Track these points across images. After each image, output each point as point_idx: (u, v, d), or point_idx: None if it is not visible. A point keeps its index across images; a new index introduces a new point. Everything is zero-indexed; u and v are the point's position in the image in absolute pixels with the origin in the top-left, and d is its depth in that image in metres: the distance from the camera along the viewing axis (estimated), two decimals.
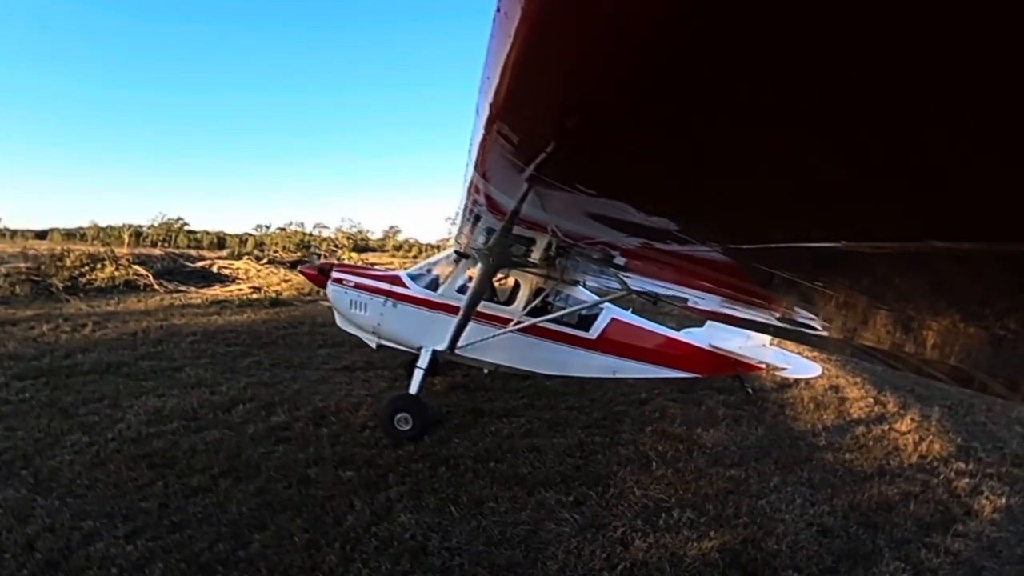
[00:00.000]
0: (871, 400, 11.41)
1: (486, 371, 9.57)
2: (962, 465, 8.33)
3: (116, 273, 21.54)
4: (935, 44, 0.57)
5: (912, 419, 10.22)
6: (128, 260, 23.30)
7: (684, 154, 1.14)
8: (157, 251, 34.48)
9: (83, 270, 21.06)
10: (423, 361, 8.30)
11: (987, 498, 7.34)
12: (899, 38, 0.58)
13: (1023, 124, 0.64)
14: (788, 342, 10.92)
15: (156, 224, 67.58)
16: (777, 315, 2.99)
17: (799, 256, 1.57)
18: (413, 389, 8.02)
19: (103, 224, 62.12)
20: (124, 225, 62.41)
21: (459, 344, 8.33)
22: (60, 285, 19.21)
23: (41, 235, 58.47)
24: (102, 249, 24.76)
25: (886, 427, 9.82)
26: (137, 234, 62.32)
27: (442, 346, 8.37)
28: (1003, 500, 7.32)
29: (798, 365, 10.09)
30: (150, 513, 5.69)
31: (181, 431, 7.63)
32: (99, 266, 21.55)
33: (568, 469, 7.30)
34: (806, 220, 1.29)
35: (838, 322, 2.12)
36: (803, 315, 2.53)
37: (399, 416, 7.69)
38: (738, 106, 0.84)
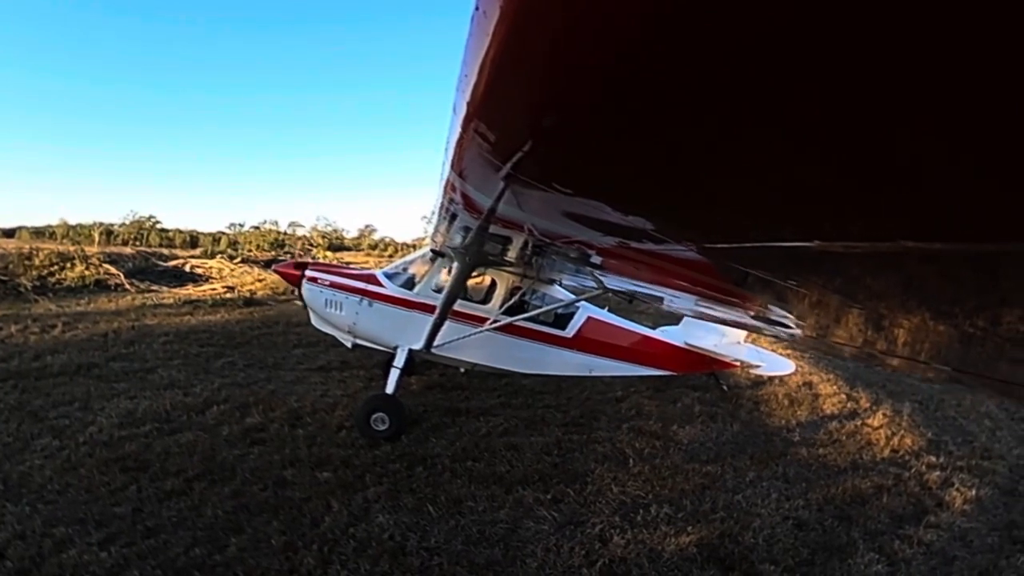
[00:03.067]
0: (844, 396, 11.57)
1: (463, 370, 9.56)
2: (933, 459, 8.49)
3: (86, 272, 21.09)
4: (908, 47, 0.58)
5: (884, 414, 10.38)
6: (99, 259, 22.86)
7: (660, 154, 1.14)
8: (128, 250, 34.01)
9: (52, 269, 20.58)
10: (399, 360, 8.26)
11: (958, 490, 7.49)
12: (872, 41, 0.58)
13: (994, 127, 0.65)
14: (762, 340, 11.06)
15: (127, 222, 66.75)
16: (752, 313, 3.02)
17: (773, 255, 1.59)
18: (389, 389, 7.98)
19: (73, 222, 61.29)
20: (95, 223, 61.62)
21: (435, 343, 8.30)
22: (28, 285, 18.75)
23: (9, 233, 57.20)
24: (72, 248, 24.22)
25: (859, 422, 9.98)
26: (108, 232, 61.44)
27: (418, 345, 8.33)
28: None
29: (772, 362, 10.21)
30: (124, 518, 5.59)
31: (154, 434, 7.50)
32: (69, 265, 21.07)
33: (546, 467, 7.31)
34: (780, 220, 1.30)
35: (811, 320, 2.15)
36: (777, 313, 2.56)
37: (375, 416, 7.64)
38: (713, 107, 0.84)
